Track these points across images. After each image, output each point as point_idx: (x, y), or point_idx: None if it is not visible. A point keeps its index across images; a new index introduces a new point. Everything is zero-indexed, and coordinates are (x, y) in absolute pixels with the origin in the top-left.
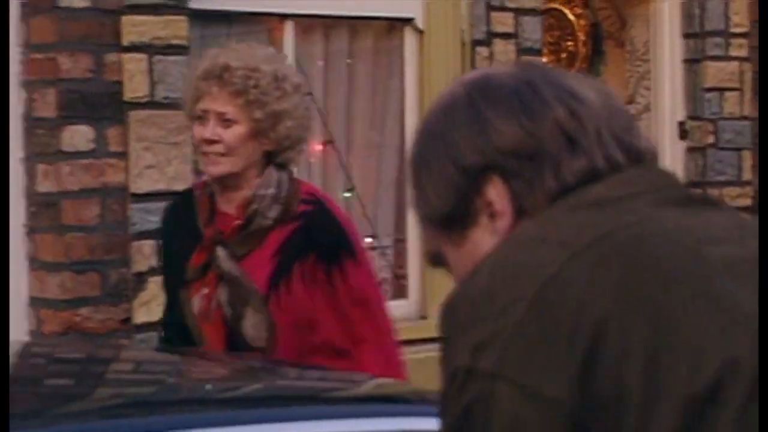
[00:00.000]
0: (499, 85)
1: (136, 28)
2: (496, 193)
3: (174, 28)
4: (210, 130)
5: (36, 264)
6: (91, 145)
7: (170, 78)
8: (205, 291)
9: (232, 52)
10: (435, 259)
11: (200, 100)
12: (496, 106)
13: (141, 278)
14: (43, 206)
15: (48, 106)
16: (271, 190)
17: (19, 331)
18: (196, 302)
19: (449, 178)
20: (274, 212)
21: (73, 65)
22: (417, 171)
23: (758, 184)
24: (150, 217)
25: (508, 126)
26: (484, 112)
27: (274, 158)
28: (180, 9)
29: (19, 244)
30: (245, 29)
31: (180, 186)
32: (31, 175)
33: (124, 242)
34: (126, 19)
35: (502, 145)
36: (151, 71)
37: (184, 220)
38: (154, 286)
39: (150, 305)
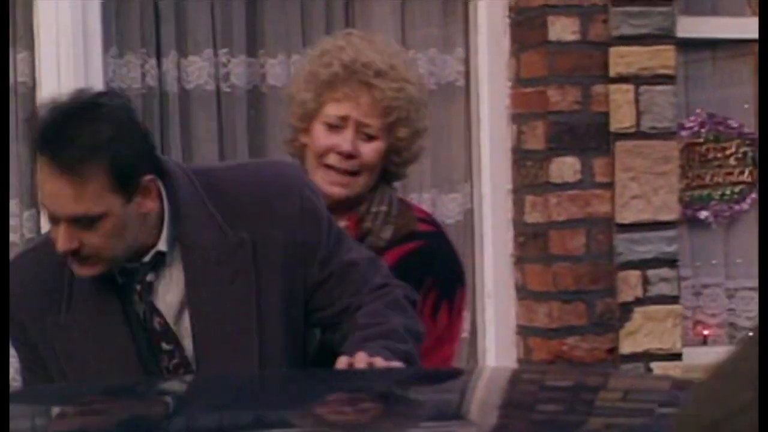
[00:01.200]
0: None
1: (623, 59)
2: None
3: (661, 57)
4: (350, 142)
5: (524, 293)
6: (578, 176)
7: (656, 108)
8: None
9: (373, 50)
10: None
11: (339, 103)
12: None
13: (627, 308)
14: (530, 237)
15: (536, 138)
16: (384, 208)
17: (507, 359)
18: None
19: None
20: (387, 233)
21: (561, 98)
22: None
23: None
24: (635, 247)
25: None
26: None
27: (388, 174)
28: (668, 38)
29: (508, 274)
30: (728, 54)
31: (666, 216)
32: (519, 206)
33: (610, 272)
34: (614, 51)
35: None
36: (637, 101)
37: None
38: (640, 316)
39: (636, 336)
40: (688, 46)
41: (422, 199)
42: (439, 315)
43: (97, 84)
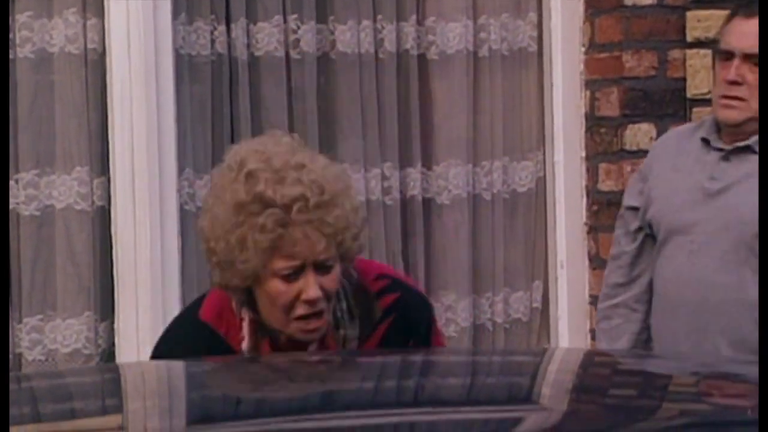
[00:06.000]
0: None
1: (701, 23)
2: None
3: None
4: (313, 287)
5: (597, 262)
6: (653, 143)
7: None
8: None
9: (291, 182)
10: None
11: (289, 257)
12: None
13: None
14: (604, 205)
15: (611, 105)
16: (344, 305)
17: (580, 329)
18: None
19: None
20: (355, 330)
21: (636, 63)
22: None
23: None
24: None
25: None
26: None
27: None
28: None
29: (581, 243)
30: None
31: None
32: (592, 174)
33: None
34: (691, 15)
35: None
36: (714, 67)
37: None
38: None
39: None
40: None
41: (494, 168)
42: None
43: (167, 51)
